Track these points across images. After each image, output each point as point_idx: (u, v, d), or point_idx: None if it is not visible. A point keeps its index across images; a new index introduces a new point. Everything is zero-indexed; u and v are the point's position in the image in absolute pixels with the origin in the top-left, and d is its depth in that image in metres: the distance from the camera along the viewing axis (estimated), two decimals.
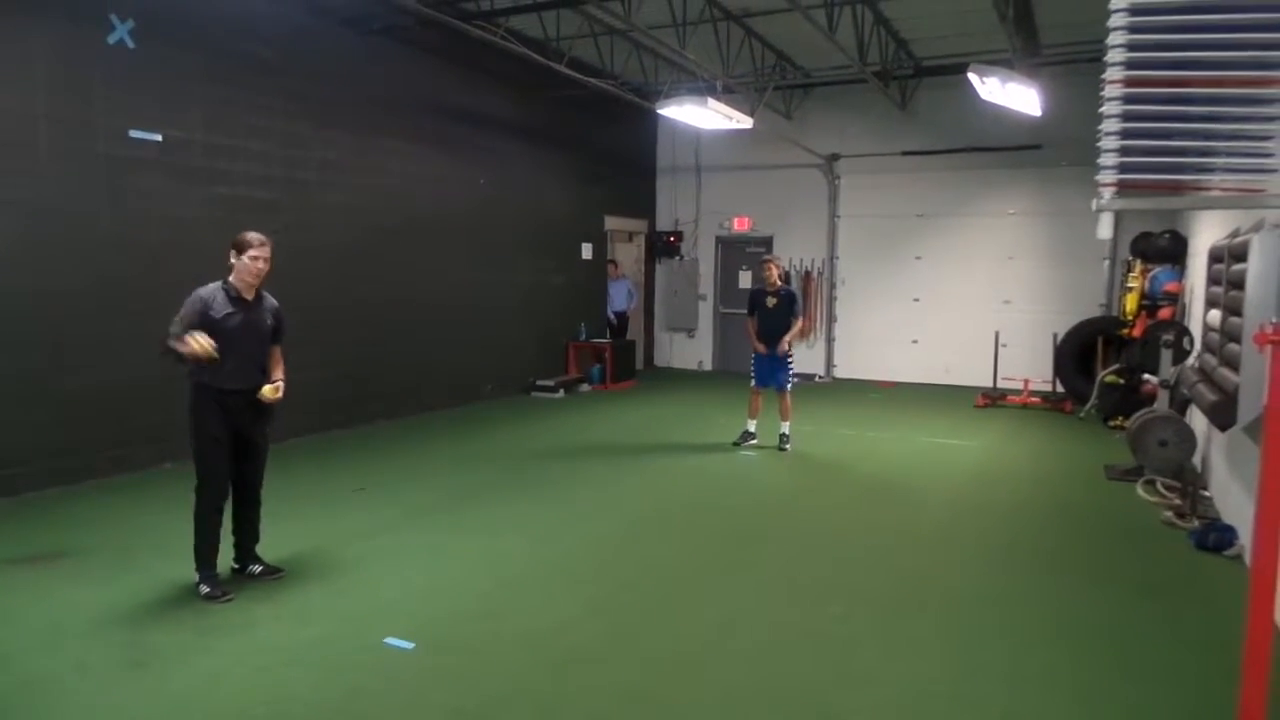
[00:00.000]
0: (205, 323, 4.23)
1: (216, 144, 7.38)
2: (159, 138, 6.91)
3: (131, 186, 6.75)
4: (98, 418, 6.57)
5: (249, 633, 3.98)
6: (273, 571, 4.65)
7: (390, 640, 3.89)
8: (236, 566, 4.64)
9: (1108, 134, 2.13)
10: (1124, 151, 2.12)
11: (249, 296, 4.42)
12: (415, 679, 3.55)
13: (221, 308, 4.31)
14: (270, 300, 4.59)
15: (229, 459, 4.44)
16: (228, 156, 7.48)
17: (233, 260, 4.38)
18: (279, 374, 4.56)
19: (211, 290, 4.34)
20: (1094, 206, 2.18)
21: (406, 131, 9.40)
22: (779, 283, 8.16)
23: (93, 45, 6.44)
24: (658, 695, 3.47)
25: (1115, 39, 2.04)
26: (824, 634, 4.08)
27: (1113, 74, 2.09)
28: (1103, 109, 2.14)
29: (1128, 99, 2.08)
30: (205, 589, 4.35)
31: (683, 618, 4.26)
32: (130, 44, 6.65)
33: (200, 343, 4.11)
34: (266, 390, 4.40)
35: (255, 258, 4.36)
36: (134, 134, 6.74)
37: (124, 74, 6.64)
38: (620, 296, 13.55)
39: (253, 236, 4.39)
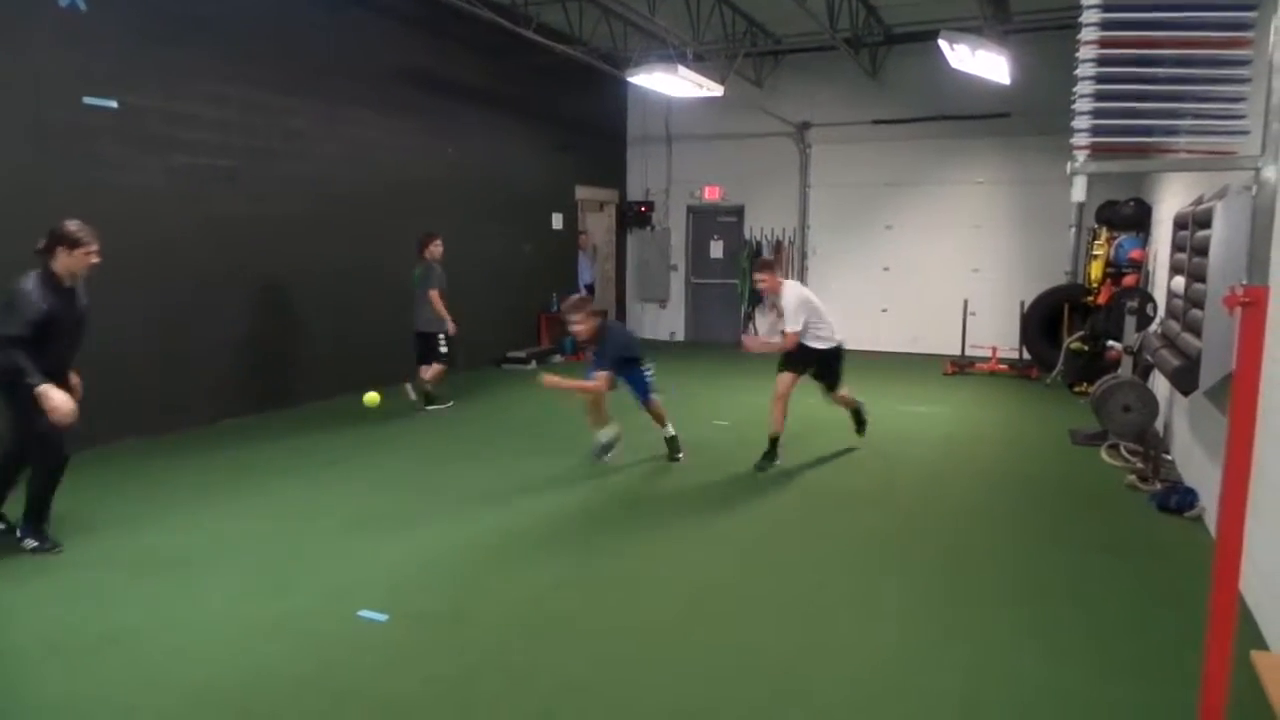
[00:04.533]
0: (42, 318, 4.25)
1: (175, 111, 7.18)
2: (115, 104, 6.70)
3: (86, 155, 6.55)
4: None
5: (221, 607, 3.94)
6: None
7: (364, 613, 3.87)
8: (15, 525, 4.65)
9: (1082, 96, 2.11)
10: (1098, 114, 2.11)
11: (70, 285, 4.44)
12: (390, 650, 3.54)
13: (51, 299, 4.30)
14: (81, 285, 4.58)
15: None
16: (187, 124, 7.29)
17: (60, 253, 4.36)
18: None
19: (35, 283, 4.30)
20: (1068, 170, 2.18)
21: (372, 99, 9.21)
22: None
23: (44, 7, 6.21)
24: (630, 663, 3.49)
25: None
26: (795, 602, 4.12)
27: (1088, 34, 2.08)
28: (1077, 70, 2.13)
29: (1102, 60, 2.07)
30: (34, 543, 4.50)
31: (656, 587, 4.29)
32: (83, 7, 6.41)
33: (66, 406, 4.26)
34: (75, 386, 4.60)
35: (89, 253, 4.40)
36: (88, 100, 6.53)
37: (77, 38, 6.41)
38: (586, 269, 13.50)
39: (83, 233, 4.39)
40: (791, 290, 6.44)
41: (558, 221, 12.79)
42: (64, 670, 3.36)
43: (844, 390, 6.87)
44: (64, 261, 4.37)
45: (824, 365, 6.59)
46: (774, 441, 6.48)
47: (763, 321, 13.79)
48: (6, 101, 6.05)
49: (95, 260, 4.45)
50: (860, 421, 7.14)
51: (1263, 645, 3.57)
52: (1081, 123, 2.12)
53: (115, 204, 6.72)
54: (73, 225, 4.38)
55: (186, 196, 7.31)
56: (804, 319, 6.31)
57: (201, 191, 7.44)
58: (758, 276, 6.49)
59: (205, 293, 7.48)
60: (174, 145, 7.18)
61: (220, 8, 7.50)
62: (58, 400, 4.23)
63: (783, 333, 6.41)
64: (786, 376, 6.50)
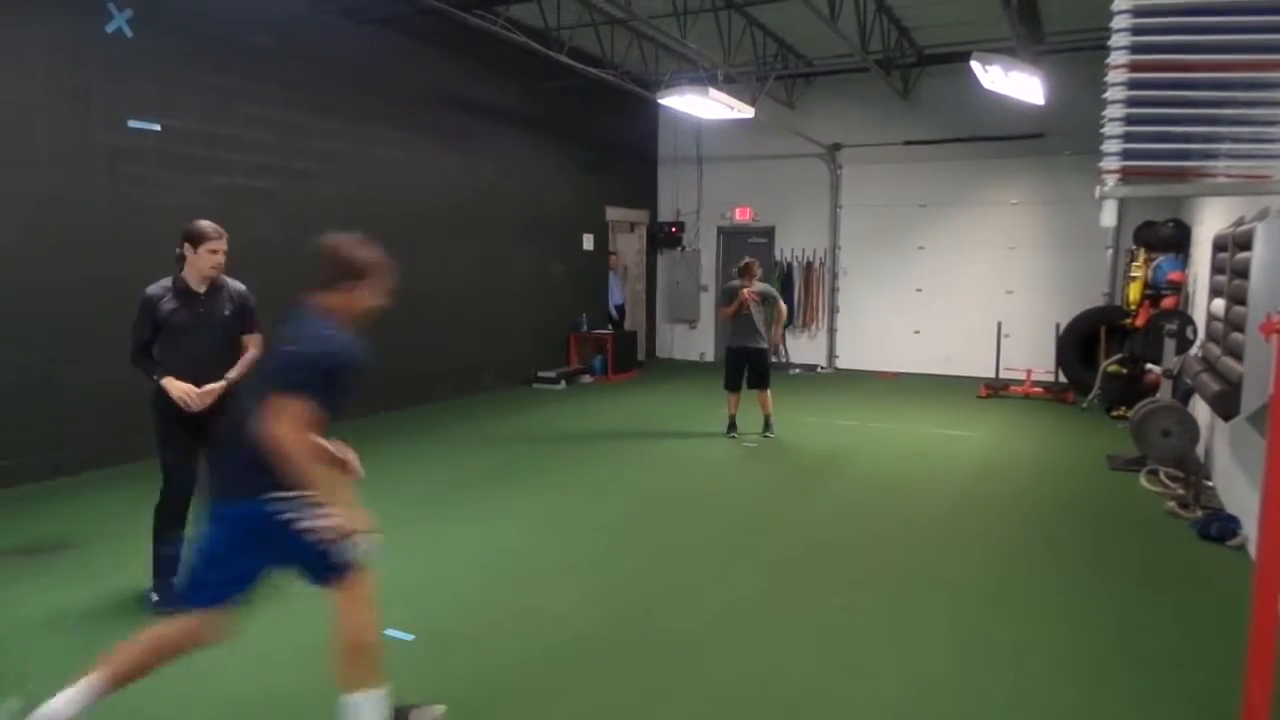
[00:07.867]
0: (153, 322, 4.04)
1: (216, 134, 7.35)
2: (158, 127, 6.88)
3: (130, 176, 6.72)
4: (97, 409, 6.55)
5: (246, 624, 3.96)
6: None
7: (390, 631, 3.87)
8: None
9: (1111, 119, 2.09)
10: (1128, 137, 2.08)
11: (200, 289, 4.15)
12: (415, 670, 3.54)
13: (168, 304, 4.06)
14: (232, 285, 4.28)
15: (191, 459, 4.13)
16: (227, 146, 7.45)
17: (186, 253, 4.08)
18: (241, 366, 4.24)
19: (157, 288, 4.08)
20: (1097, 194, 2.15)
21: (406, 121, 9.36)
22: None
23: (91, 34, 6.41)
24: (658, 684, 3.46)
25: (1120, 21, 2.00)
26: (826, 623, 4.07)
27: (1117, 58, 2.06)
28: (1106, 94, 2.10)
29: (1132, 84, 2.04)
30: (156, 598, 4.11)
31: (684, 606, 4.26)
32: (128, 33, 6.61)
33: (179, 389, 3.97)
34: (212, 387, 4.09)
35: (214, 252, 4.08)
36: (133, 124, 6.71)
37: (122, 63, 6.60)
38: (616, 289, 13.54)
39: (209, 228, 4.10)
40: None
41: (588, 242, 12.86)
42: None
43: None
44: (191, 261, 4.08)
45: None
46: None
47: (793, 343, 13.74)
48: (55, 123, 6.23)
49: (220, 260, 4.10)
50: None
51: None
52: (1111, 146, 2.09)
53: (157, 224, 6.85)
54: (203, 222, 4.12)
55: (225, 217, 7.42)
56: None
57: (240, 212, 7.58)
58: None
59: None
60: (214, 167, 7.34)
61: (259, 32, 7.68)
62: (179, 390, 3.93)
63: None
64: None
